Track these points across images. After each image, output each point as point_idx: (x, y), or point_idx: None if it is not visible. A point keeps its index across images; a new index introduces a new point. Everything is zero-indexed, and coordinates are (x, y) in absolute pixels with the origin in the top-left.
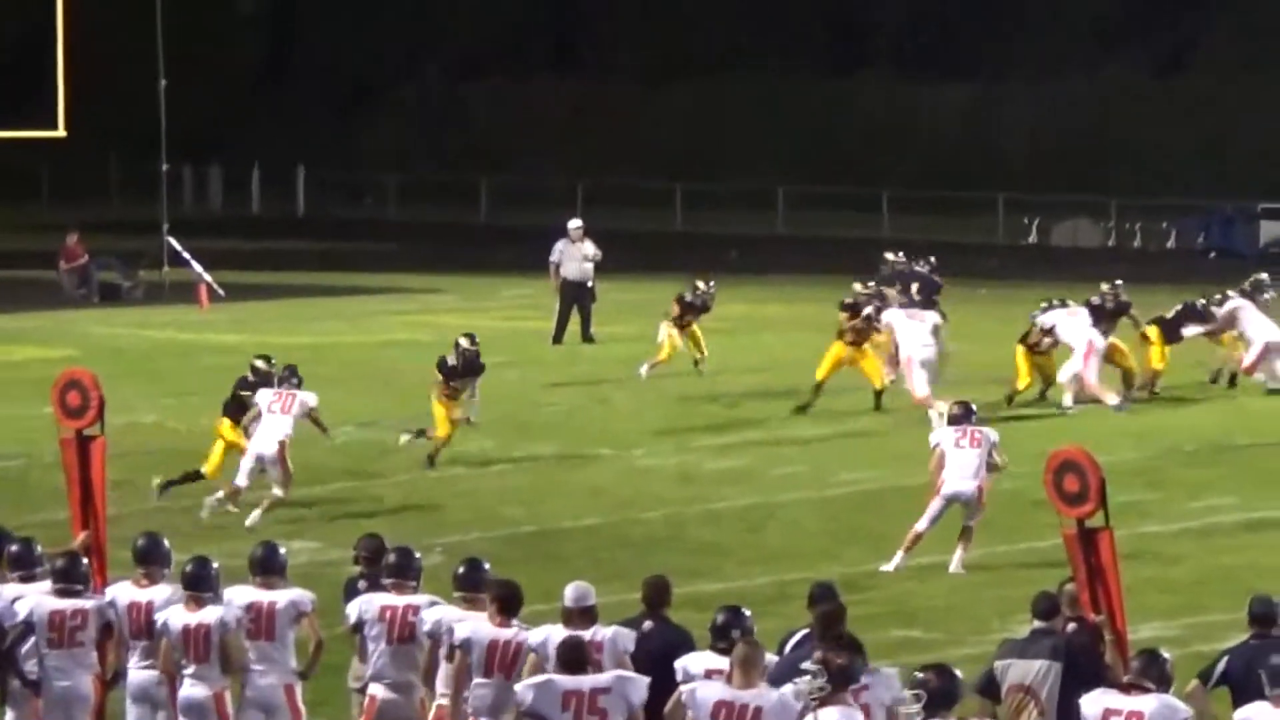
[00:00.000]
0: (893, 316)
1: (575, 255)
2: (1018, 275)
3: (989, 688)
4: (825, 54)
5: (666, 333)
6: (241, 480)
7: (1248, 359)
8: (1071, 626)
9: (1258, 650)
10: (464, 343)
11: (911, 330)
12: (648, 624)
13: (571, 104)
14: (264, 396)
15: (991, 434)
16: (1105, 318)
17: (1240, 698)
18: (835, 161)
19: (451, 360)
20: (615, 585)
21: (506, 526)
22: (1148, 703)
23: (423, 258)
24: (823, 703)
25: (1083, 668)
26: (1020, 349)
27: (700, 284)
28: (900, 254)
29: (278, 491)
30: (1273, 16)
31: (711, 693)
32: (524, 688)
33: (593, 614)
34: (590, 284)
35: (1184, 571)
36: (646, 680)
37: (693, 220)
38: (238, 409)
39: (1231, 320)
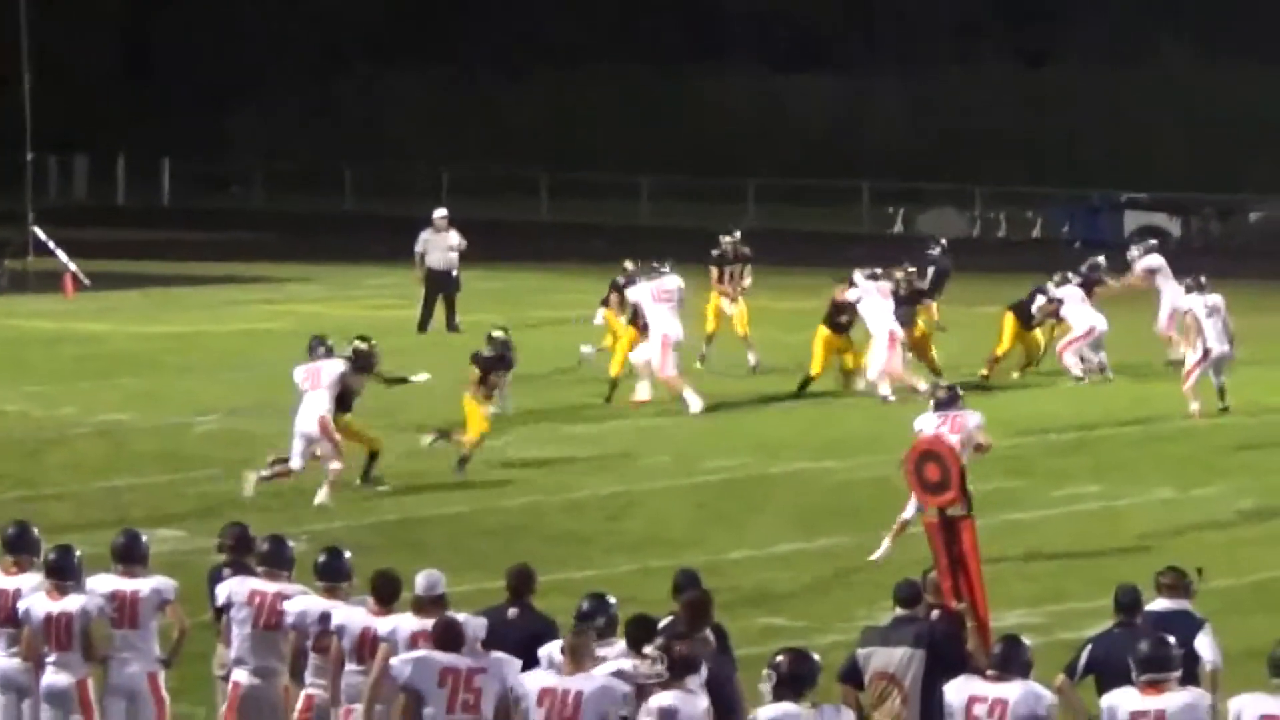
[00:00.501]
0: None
1: (440, 245)
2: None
3: (852, 675)
4: (691, 45)
5: (604, 318)
6: (296, 463)
7: (1065, 339)
8: (935, 614)
9: (1121, 638)
10: (498, 334)
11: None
12: (512, 611)
13: (436, 93)
14: (297, 374)
15: (973, 418)
16: (901, 304)
17: (1106, 685)
18: (701, 152)
19: (488, 352)
20: (477, 574)
21: (371, 515)
22: (1012, 690)
23: (289, 247)
24: (664, 687)
25: (946, 655)
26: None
27: (629, 264)
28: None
29: (335, 465)
30: (1134, 10)
31: (536, 680)
32: (401, 662)
33: (444, 602)
34: (455, 273)
35: (1047, 559)
36: (519, 662)
37: (558, 209)
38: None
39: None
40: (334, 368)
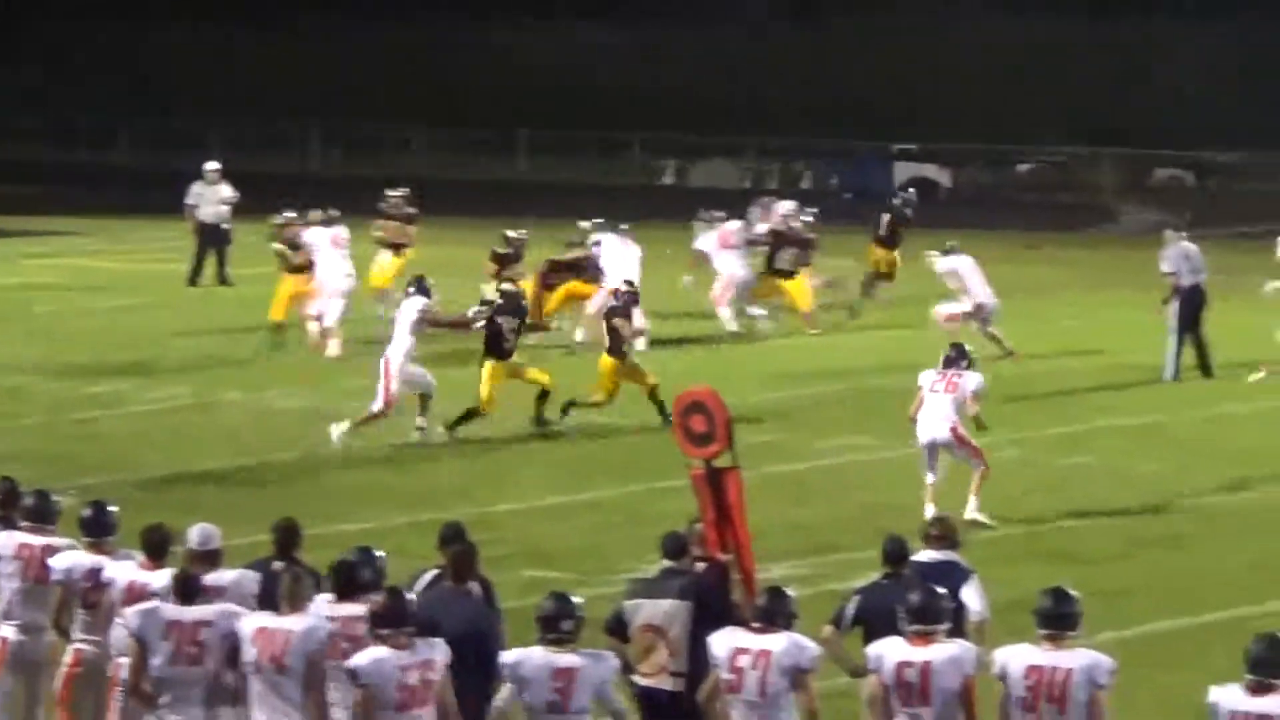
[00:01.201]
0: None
1: (211, 198)
2: (655, 216)
3: (618, 627)
4: None
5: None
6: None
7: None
8: (700, 566)
9: (889, 589)
10: (508, 286)
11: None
12: (278, 564)
13: (213, 47)
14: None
15: (972, 381)
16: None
17: (872, 635)
18: (473, 105)
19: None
20: (248, 528)
21: (140, 470)
22: (777, 641)
23: (64, 200)
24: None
25: (711, 607)
26: None
27: (511, 233)
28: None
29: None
30: None
31: (254, 621)
32: (132, 613)
33: (216, 557)
34: (226, 226)
35: (815, 511)
36: (252, 614)
37: (330, 162)
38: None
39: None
40: (411, 307)
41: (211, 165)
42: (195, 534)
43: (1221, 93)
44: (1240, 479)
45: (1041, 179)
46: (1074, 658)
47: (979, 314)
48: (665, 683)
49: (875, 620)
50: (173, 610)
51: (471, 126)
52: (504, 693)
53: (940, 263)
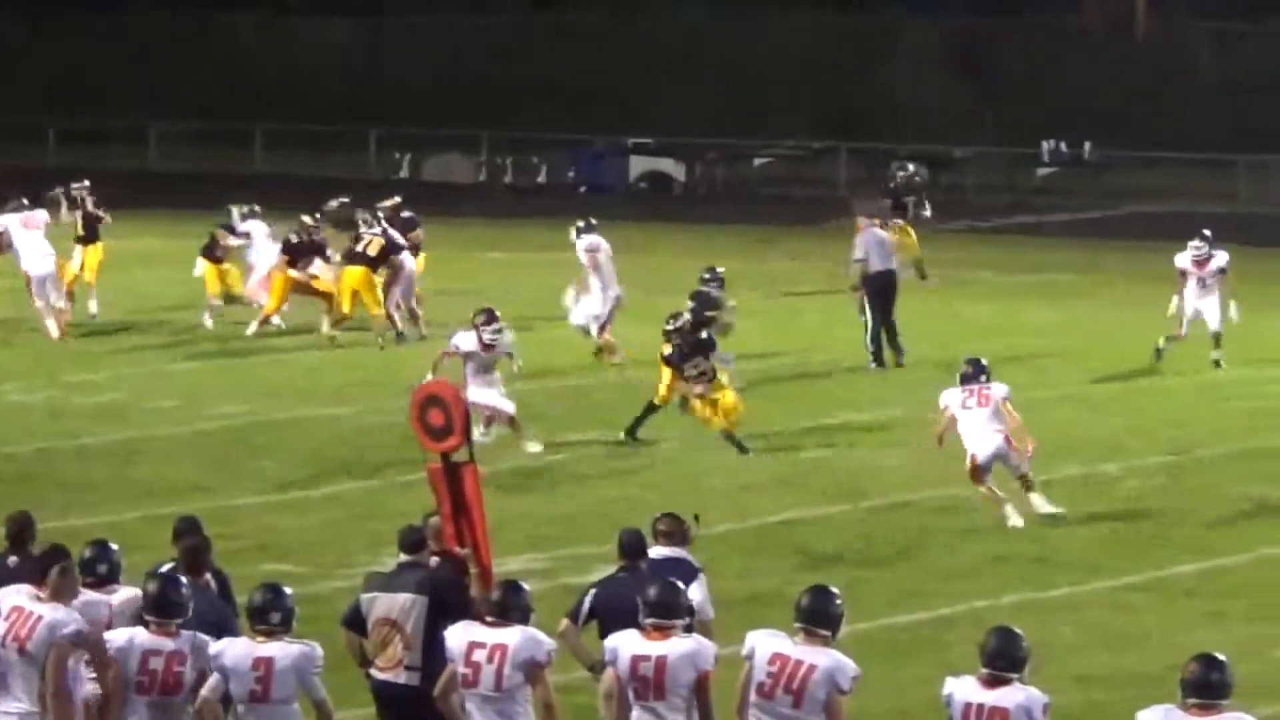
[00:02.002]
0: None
1: None
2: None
3: (355, 621)
4: None
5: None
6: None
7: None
8: (436, 560)
9: (625, 583)
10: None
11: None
12: (13, 559)
13: None
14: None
15: (999, 390)
16: (301, 252)
17: (608, 629)
18: (207, 98)
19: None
20: None
21: None
22: (511, 635)
23: None
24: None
25: (448, 601)
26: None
27: (307, 219)
28: None
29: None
30: None
31: (9, 600)
32: None
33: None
34: None
35: (554, 504)
36: (12, 590)
37: (68, 155)
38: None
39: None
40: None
41: None
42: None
43: (951, 86)
44: None
45: (777, 172)
46: (821, 656)
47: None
48: (401, 676)
49: (610, 614)
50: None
51: (208, 120)
52: (211, 682)
53: (580, 242)
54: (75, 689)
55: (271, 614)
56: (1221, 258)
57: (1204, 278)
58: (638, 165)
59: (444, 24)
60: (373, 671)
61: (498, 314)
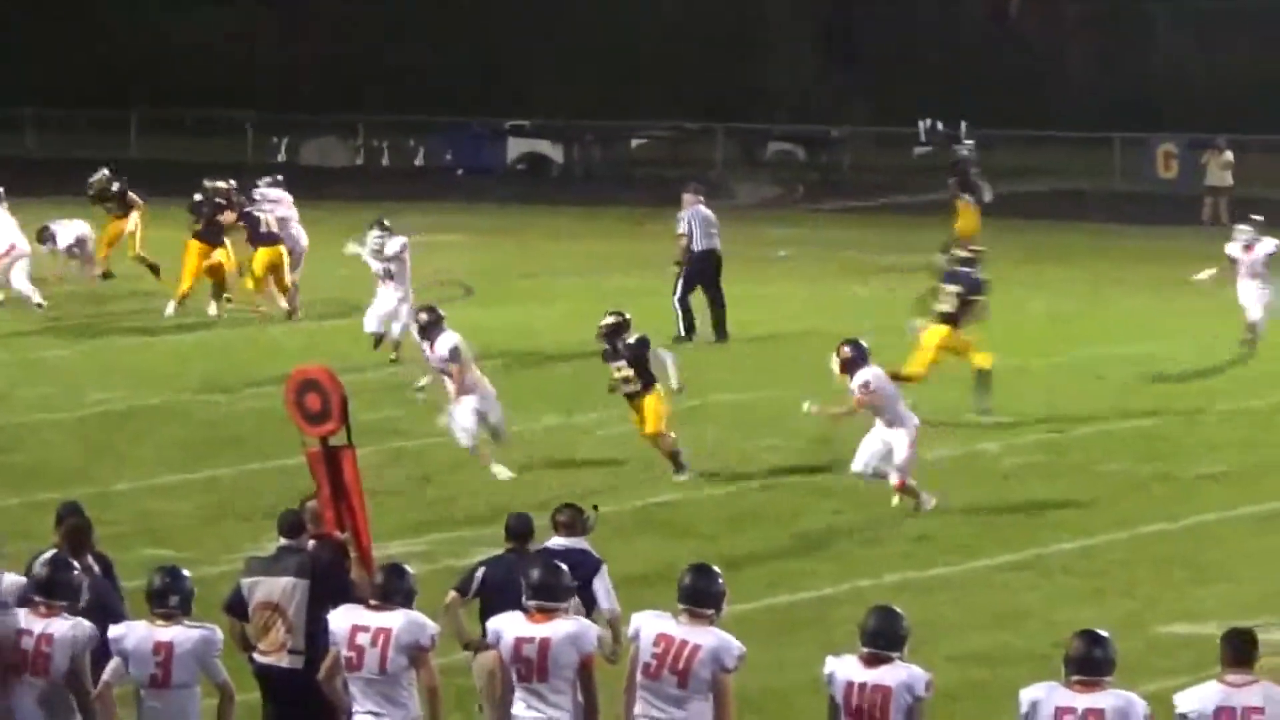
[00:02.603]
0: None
1: None
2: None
3: (237, 605)
4: None
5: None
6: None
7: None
8: (313, 543)
9: (514, 563)
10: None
11: None
12: None
13: None
14: None
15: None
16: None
17: (490, 608)
18: (84, 83)
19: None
20: None
21: None
22: (395, 618)
23: None
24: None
25: (329, 584)
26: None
27: (209, 183)
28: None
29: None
30: None
31: None
32: None
33: None
34: None
35: (433, 487)
36: None
37: None
38: None
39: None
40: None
41: None
42: None
43: (826, 66)
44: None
45: (653, 154)
46: (705, 635)
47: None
48: (284, 660)
49: (495, 592)
50: None
51: (82, 106)
52: (111, 665)
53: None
54: None
55: (170, 597)
56: (1269, 244)
57: (1253, 263)
58: (515, 147)
59: (320, 6)
60: (256, 656)
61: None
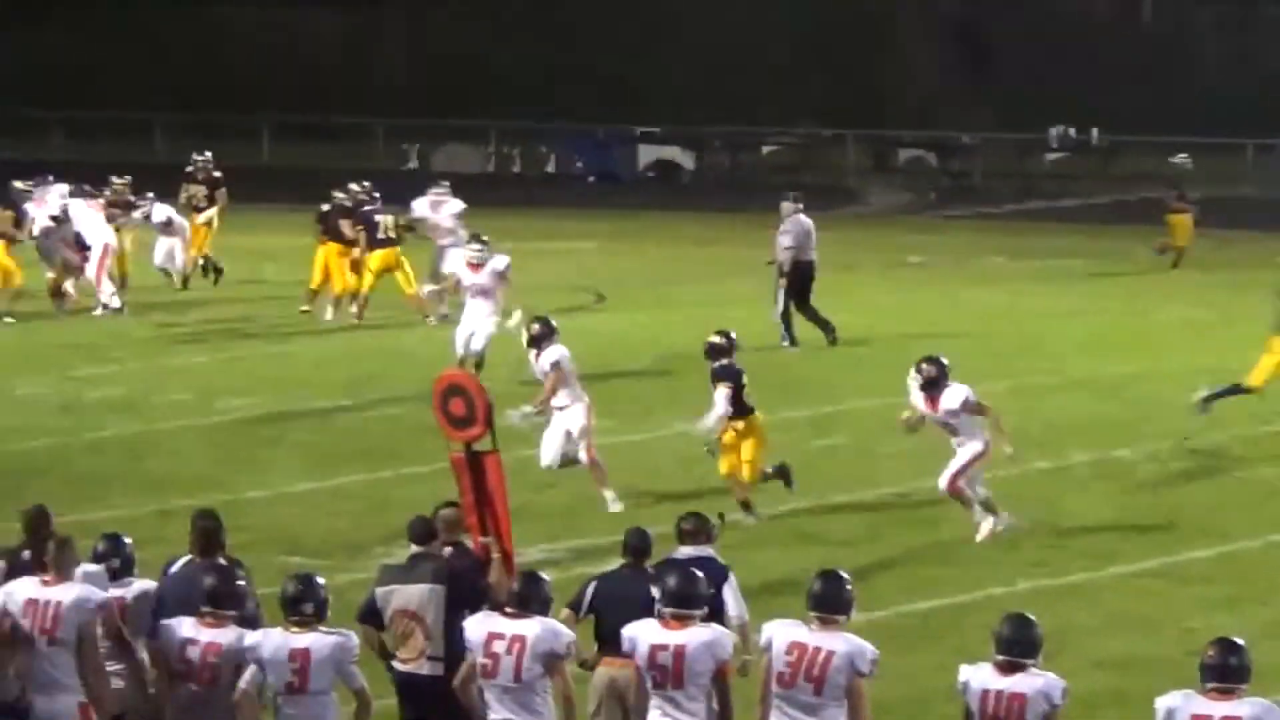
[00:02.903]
0: None
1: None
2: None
3: (371, 615)
4: None
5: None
6: None
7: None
8: (449, 550)
9: (627, 580)
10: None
11: None
12: (27, 554)
13: None
14: None
15: (957, 394)
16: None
17: (604, 624)
18: (213, 89)
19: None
20: None
21: None
22: (531, 626)
23: None
24: None
25: (465, 591)
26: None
27: (198, 156)
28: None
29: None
30: None
31: (24, 591)
32: None
33: None
34: None
35: (564, 495)
36: (19, 583)
37: (73, 149)
38: None
39: None
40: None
41: None
42: None
43: (957, 73)
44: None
45: (785, 160)
46: (839, 641)
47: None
48: (424, 667)
49: (609, 609)
50: None
51: (209, 111)
52: (248, 674)
53: None
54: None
55: (305, 604)
56: None
57: None
58: (646, 154)
59: (454, 10)
60: (395, 664)
61: None
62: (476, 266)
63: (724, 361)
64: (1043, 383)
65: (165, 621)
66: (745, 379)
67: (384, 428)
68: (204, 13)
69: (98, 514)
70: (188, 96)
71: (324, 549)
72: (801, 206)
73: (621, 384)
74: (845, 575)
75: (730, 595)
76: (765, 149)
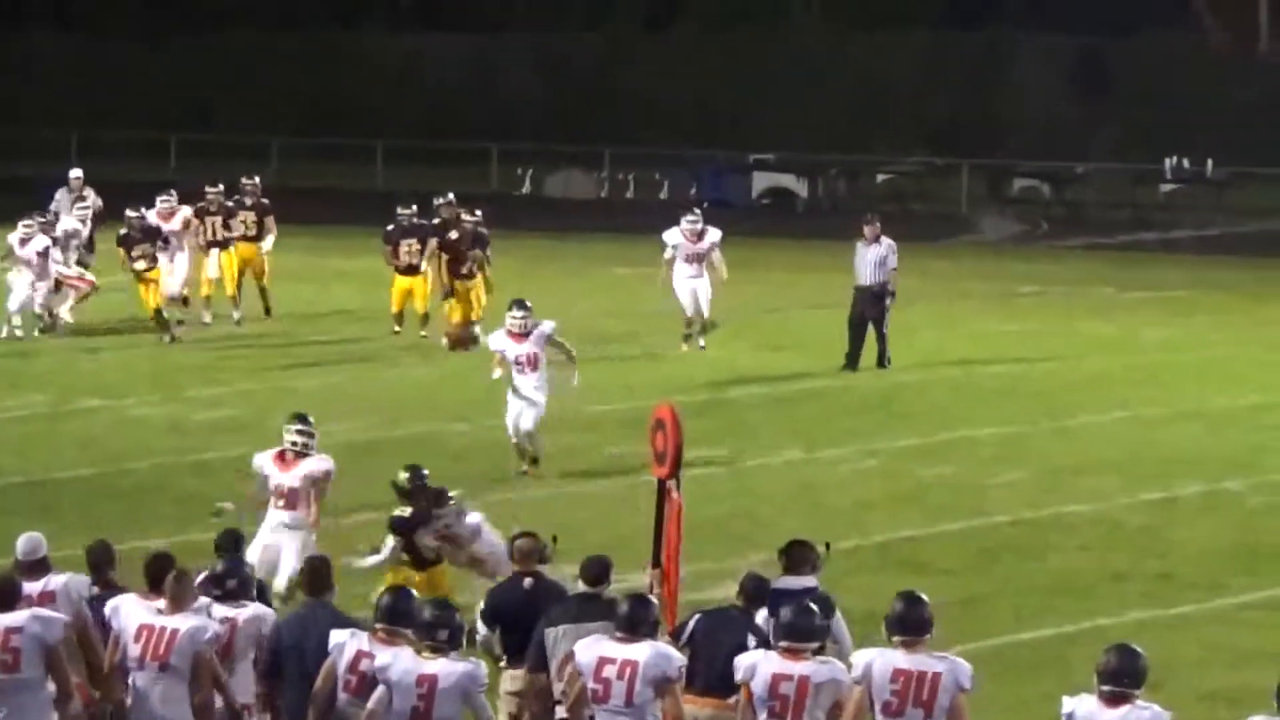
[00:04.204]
0: None
1: (73, 205)
2: (512, 225)
3: (541, 662)
4: (321, 5)
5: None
6: None
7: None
8: (528, 581)
9: (732, 621)
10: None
11: None
12: (95, 589)
13: (69, 58)
14: None
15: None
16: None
17: (696, 659)
18: (330, 113)
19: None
20: (103, 535)
21: None
22: (642, 650)
23: None
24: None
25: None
26: None
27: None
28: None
29: None
30: None
31: (136, 617)
32: None
33: (45, 564)
34: (88, 232)
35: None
36: (64, 619)
37: (186, 170)
38: None
39: None
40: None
41: (75, 173)
42: (22, 544)
43: (1072, 103)
44: (1099, 490)
45: (899, 189)
46: (938, 662)
47: None
48: None
49: (705, 645)
50: None
51: (330, 135)
52: (377, 694)
53: None
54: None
55: (440, 630)
56: None
57: None
58: (760, 181)
59: (560, 39)
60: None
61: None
62: (520, 336)
63: (399, 512)
64: (1155, 414)
65: (338, 642)
66: (440, 524)
67: (498, 452)
68: (331, 37)
69: (203, 535)
70: (308, 120)
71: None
72: (879, 225)
73: (734, 412)
74: (923, 595)
75: (839, 629)
76: (880, 177)
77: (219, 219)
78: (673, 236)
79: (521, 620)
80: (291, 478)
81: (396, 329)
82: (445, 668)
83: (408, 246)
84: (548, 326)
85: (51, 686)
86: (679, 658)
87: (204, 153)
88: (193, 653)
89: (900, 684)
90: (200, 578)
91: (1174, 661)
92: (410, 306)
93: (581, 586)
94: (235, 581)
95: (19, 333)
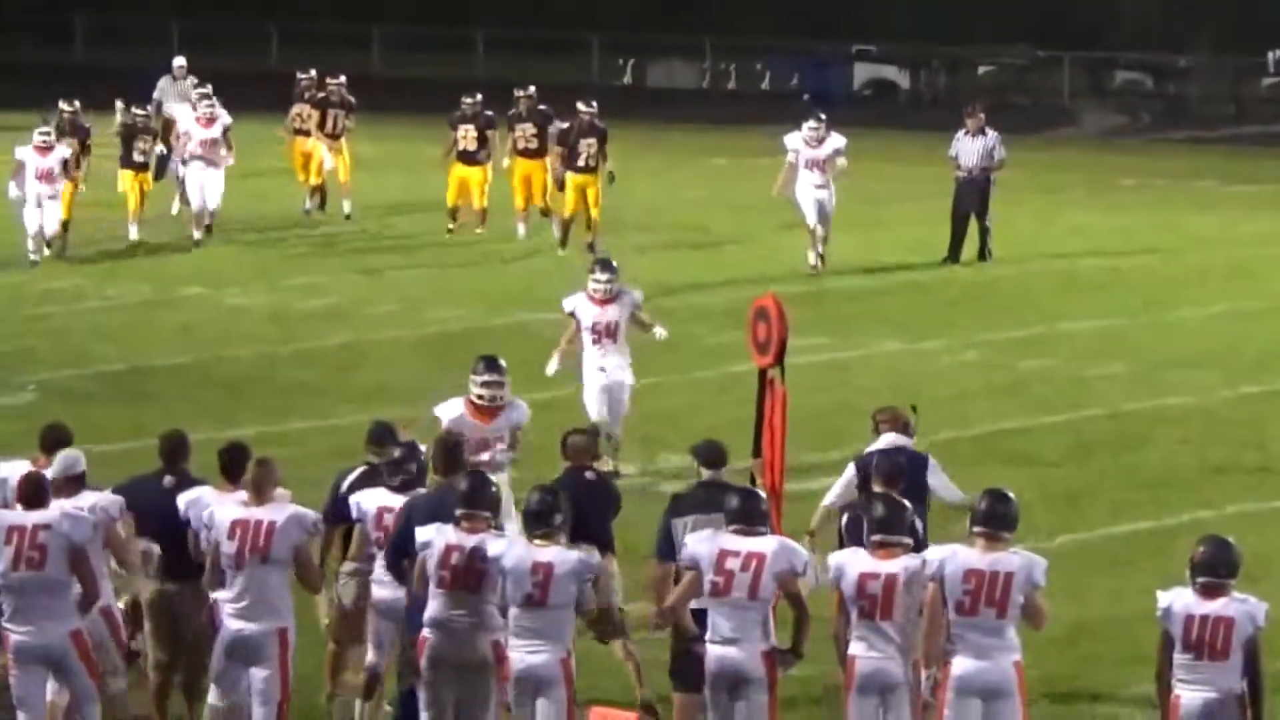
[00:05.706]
0: None
1: (178, 94)
2: (613, 115)
3: (670, 550)
4: None
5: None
6: None
7: None
8: (589, 474)
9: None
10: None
11: None
12: (168, 480)
13: None
14: None
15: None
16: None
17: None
18: (431, 2)
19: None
20: (204, 423)
21: (97, 364)
22: (767, 544)
23: (13, 97)
24: None
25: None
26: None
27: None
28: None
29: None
30: None
31: (227, 513)
32: None
33: (81, 480)
34: None
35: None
36: (91, 520)
37: (287, 60)
38: None
39: None
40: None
41: (179, 61)
42: (59, 462)
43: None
44: (1198, 383)
45: (1001, 81)
46: (1013, 560)
47: None
48: None
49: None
50: (13, 516)
51: (427, 24)
52: (419, 564)
53: None
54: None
55: (553, 516)
56: None
57: None
58: (862, 73)
59: None
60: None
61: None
62: (604, 301)
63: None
64: (1255, 307)
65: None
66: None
67: None
68: None
69: (306, 423)
70: (410, 9)
71: (543, 459)
72: (983, 116)
73: (833, 303)
74: (1010, 492)
75: (937, 481)
76: (981, 69)
77: (341, 111)
78: (793, 141)
79: (579, 512)
80: (492, 431)
81: (450, 227)
82: (559, 555)
83: (464, 133)
84: (638, 295)
85: (77, 588)
86: (804, 551)
87: (302, 41)
88: (294, 544)
89: (973, 584)
90: (355, 473)
91: (1273, 555)
92: (467, 203)
93: (704, 472)
94: (415, 467)
95: (47, 250)
